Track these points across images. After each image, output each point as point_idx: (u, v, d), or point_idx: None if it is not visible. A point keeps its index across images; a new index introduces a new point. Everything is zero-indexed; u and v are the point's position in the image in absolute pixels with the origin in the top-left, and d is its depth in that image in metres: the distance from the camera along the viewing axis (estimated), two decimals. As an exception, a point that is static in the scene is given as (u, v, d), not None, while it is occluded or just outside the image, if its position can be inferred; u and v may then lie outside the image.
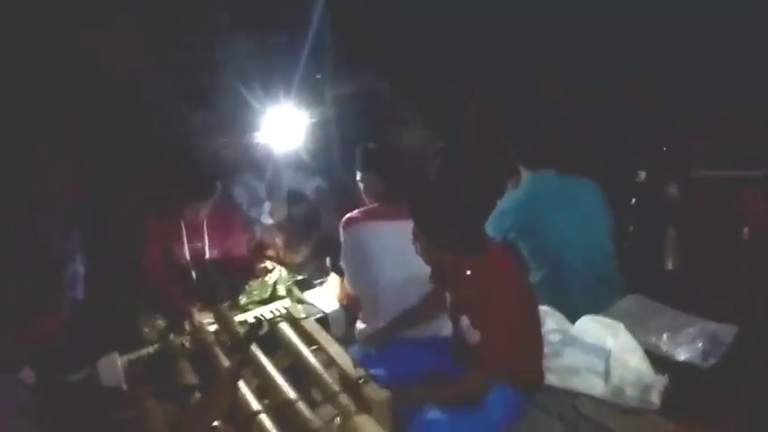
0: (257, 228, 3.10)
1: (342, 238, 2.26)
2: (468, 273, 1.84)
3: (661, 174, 2.90)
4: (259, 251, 2.96)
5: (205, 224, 2.66)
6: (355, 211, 2.26)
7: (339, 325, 2.49)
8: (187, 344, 2.14)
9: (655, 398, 1.89)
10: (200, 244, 2.68)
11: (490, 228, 2.44)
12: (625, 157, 3.04)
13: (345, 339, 2.30)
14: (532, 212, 2.51)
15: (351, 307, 2.49)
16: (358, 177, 2.34)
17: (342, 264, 2.33)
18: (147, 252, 2.57)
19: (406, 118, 3.63)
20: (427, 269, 2.01)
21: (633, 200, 3.05)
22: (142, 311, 2.43)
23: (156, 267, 2.57)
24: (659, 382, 1.93)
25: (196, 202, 2.55)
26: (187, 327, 2.31)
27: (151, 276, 2.55)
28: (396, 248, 2.10)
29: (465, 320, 1.86)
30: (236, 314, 2.44)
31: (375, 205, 2.28)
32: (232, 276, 2.73)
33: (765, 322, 2.11)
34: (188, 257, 2.67)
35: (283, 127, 2.94)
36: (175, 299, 2.48)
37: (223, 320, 2.24)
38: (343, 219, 2.26)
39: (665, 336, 2.20)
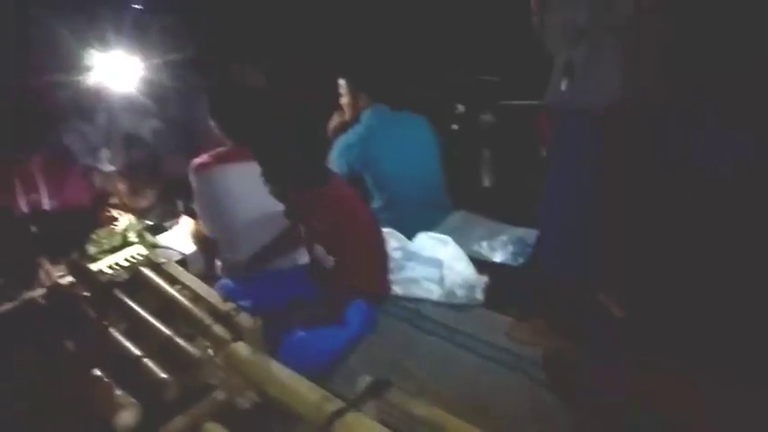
0: (96, 175, 2.98)
1: (193, 184, 2.30)
2: (316, 206, 2.02)
3: (475, 105, 3.30)
4: (102, 200, 2.88)
5: (40, 174, 2.54)
6: (204, 156, 2.30)
7: (198, 265, 2.58)
8: (41, 300, 2.11)
9: (479, 294, 2.30)
10: (36, 195, 2.57)
11: (338, 161, 2.65)
12: (445, 93, 3.39)
13: (206, 279, 2.40)
14: (372, 145, 2.75)
15: (207, 247, 2.57)
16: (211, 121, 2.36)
17: (196, 208, 2.39)
18: None
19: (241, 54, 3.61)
20: (280, 206, 2.17)
21: (455, 127, 3.44)
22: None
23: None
24: (481, 281, 2.35)
25: (24, 158, 2.43)
26: (41, 280, 2.25)
27: None
28: (248, 189, 2.21)
29: (319, 249, 2.09)
30: (89, 264, 2.41)
31: (224, 148, 2.33)
32: (75, 227, 2.66)
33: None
34: (25, 210, 2.54)
35: (114, 69, 2.81)
36: (20, 253, 2.38)
37: (79, 271, 2.21)
38: (193, 164, 2.29)
39: (484, 243, 2.64)
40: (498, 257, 2.58)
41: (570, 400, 1.76)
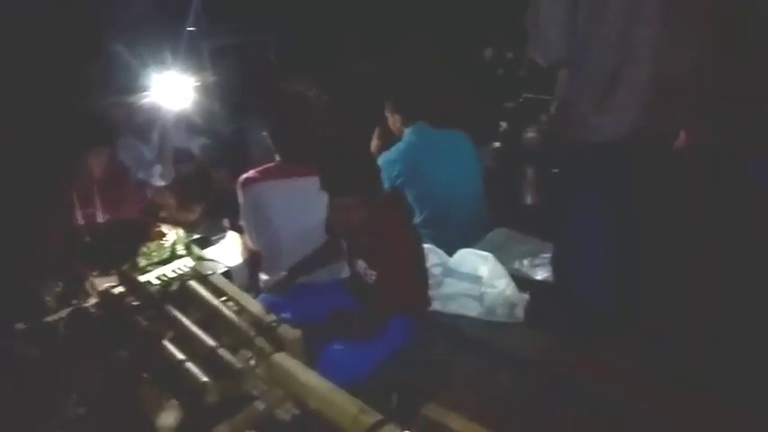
0: (148, 190, 3.11)
1: (240, 198, 2.37)
2: (360, 219, 2.04)
3: (519, 122, 3.31)
4: (152, 213, 2.99)
5: (96, 189, 2.67)
6: (252, 171, 2.37)
7: (242, 278, 2.64)
8: (93, 309, 2.20)
9: (519, 313, 2.28)
10: (91, 209, 2.69)
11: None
12: (489, 111, 3.42)
13: (250, 291, 2.46)
14: (414, 162, 2.79)
15: (252, 261, 2.63)
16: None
17: (242, 222, 2.46)
18: (38, 221, 2.54)
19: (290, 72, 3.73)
20: (322, 222, 2.21)
21: (497, 144, 3.44)
22: (40, 280, 2.43)
23: (48, 235, 2.55)
24: (522, 299, 2.32)
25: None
26: (89, 291, 2.35)
27: (45, 244, 2.53)
28: (293, 205, 2.27)
29: (362, 264, 2.11)
30: (139, 275, 2.50)
31: (271, 164, 2.40)
32: (127, 240, 2.77)
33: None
34: (80, 223, 2.67)
35: (167, 89, 2.94)
36: (72, 264, 2.50)
37: (129, 282, 2.30)
38: (241, 179, 2.37)
39: (525, 261, 2.62)
40: (540, 275, 2.55)
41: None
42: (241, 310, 2.05)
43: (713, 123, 2.08)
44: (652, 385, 1.84)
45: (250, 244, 2.54)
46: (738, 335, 1.99)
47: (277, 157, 2.41)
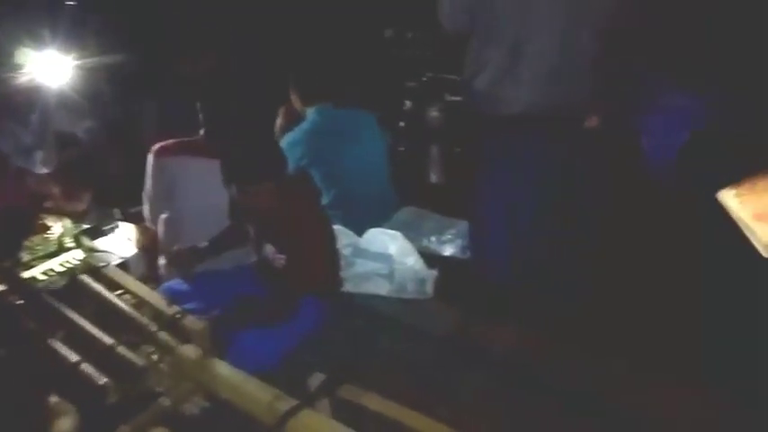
0: (29, 179, 2.84)
1: (150, 166, 2.26)
2: (270, 204, 1.97)
3: (422, 101, 3.34)
4: (36, 204, 2.75)
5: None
6: (170, 141, 2.27)
7: (139, 268, 2.49)
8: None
9: (429, 288, 2.32)
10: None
11: None
12: (392, 91, 3.42)
13: (149, 282, 2.32)
14: (318, 143, 2.73)
15: (150, 248, 2.49)
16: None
17: (144, 192, 2.34)
18: None
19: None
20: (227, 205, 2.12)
21: (402, 124, 3.46)
22: None
23: None
24: (431, 275, 2.36)
25: None
26: None
27: None
28: (203, 185, 2.17)
29: (270, 248, 2.05)
30: (22, 272, 2.30)
31: (191, 138, 2.30)
32: (7, 233, 2.53)
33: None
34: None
35: (47, 68, 2.70)
36: None
37: (10, 279, 2.11)
38: (156, 146, 2.25)
39: (433, 237, 2.66)
40: (447, 251, 2.61)
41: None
42: (140, 304, 1.94)
43: (616, 97, 2.16)
44: (561, 353, 1.93)
45: (146, 216, 2.41)
46: (643, 303, 2.13)
47: (201, 132, 2.30)
